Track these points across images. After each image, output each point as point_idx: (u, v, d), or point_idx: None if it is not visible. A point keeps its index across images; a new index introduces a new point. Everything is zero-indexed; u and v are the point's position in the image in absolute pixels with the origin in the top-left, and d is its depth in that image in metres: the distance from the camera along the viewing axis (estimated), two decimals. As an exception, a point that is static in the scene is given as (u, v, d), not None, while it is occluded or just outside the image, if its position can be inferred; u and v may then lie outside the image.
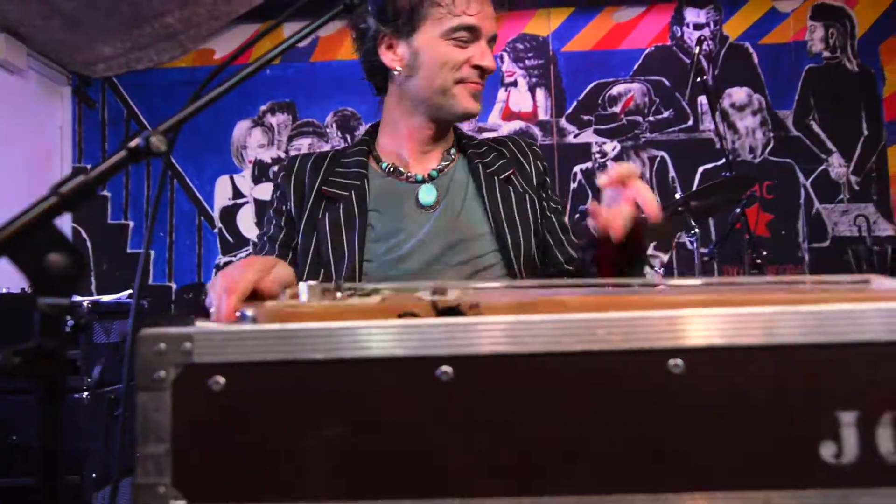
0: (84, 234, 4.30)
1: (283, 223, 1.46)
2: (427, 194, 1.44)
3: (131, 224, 4.32)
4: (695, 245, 2.90)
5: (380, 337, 0.60)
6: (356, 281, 1.34)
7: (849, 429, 0.58)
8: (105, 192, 4.32)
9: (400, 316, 0.64)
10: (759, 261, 2.78)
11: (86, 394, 2.71)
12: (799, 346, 0.58)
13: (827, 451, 0.58)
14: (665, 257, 4.06)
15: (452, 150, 1.53)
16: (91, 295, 3.81)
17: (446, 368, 0.59)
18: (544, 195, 1.55)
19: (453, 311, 0.65)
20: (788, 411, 0.58)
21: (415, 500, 0.60)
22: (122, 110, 4.39)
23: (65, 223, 4.20)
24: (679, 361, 0.58)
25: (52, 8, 3.57)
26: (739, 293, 0.73)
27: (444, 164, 1.49)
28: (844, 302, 0.60)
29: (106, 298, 3.16)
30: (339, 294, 0.75)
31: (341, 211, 1.40)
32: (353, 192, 1.42)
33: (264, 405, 0.61)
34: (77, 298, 2.60)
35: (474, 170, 1.49)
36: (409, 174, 1.46)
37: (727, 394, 0.58)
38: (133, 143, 0.61)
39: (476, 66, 1.37)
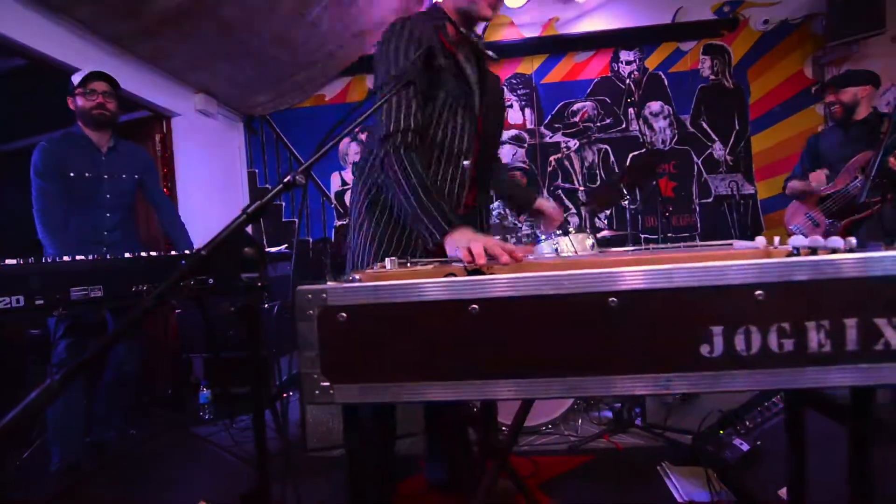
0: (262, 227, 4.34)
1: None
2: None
3: (297, 221, 4.38)
4: (627, 205, 2.83)
5: (434, 288, 0.62)
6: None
7: (717, 336, 0.58)
8: (280, 202, 4.38)
9: (445, 276, 0.66)
10: (667, 213, 2.69)
11: (265, 305, 2.83)
12: (688, 289, 0.58)
13: (704, 349, 0.58)
14: (608, 211, 3.97)
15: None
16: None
17: (475, 306, 0.61)
18: None
19: (478, 271, 0.66)
20: (681, 326, 0.58)
21: (454, 381, 0.62)
22: (272, 135, 4.40)
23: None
24: (615, 299, 0.58)
25: (229, 77, 3.57)
26: (657, 255, 0.73)
27: None
28: (716, 260, 0.59)
29: (273, 249, 3.26)
30: (408, 264, 0.76)
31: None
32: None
33: (368, 328, 0.64)
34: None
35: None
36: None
37: (645, 318, 0.59)
38: (286, 179, 0.63)
39: None
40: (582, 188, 3.86)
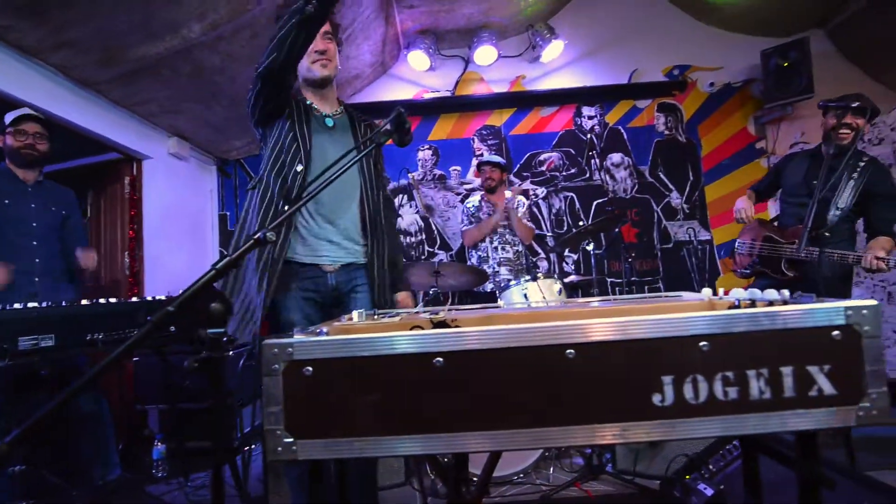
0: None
1: None
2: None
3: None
4: (592, 250, 2.93)
5: (400, 341, 0.63)
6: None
7: (668, 386, 0.61)
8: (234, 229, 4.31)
9: (411, 328, 0.67)
10: (629, 259, 2.80)
11: (230, 353, 2.72)
12: (639, 340, 0.61)
13: (656, 398, 0.61)
14: (575, 256, 4.09)
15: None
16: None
17: (439, 359, 0.62)
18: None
19: (443, 324, 0.68)
20: (635, 377, 0.61)
21: (419, 434, 0.63)
22: (245, 179, 4.39)
23: (216, 252, 4.22)
24: (572, 351, 0.61)
25: (204, 121, 3.59)
26: (613, 307, 0.76)
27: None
28: (665, 312, 0.63)
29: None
30: (375, 316, 0.77)
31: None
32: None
33: (334, 383, 0.64)
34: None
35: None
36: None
37: (600, 368, 0.61)
38: (256, 235, 0.64)
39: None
40: (550, 234, 3.97)
